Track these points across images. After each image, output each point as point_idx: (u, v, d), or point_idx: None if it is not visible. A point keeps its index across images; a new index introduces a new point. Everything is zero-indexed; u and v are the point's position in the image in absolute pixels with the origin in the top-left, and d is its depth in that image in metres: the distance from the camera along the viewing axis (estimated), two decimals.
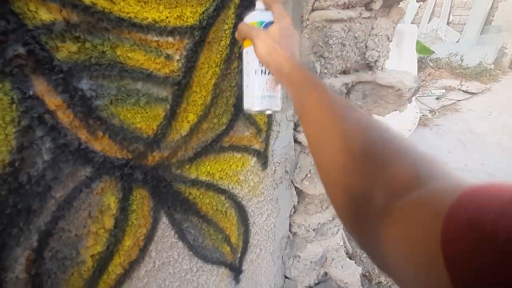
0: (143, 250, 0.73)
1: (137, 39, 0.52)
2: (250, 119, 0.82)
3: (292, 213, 1.24)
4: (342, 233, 2.02)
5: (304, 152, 1.07)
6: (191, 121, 0.67)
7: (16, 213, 0.49)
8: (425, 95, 5.16)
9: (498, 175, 3.18)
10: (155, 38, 0.54)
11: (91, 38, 0.47)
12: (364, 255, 2.20)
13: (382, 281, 1.96)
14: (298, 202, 1.20)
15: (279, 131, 0.93)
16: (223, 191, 0.86)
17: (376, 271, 2.04)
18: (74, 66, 0.47)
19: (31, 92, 0.44)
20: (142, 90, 0.56)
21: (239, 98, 0.76)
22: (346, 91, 1.00)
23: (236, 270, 1.09)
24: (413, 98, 2.68)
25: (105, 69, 0.50)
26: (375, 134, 0.36)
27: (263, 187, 1.00)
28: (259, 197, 1.01)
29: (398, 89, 0.92)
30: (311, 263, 1.43)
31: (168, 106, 0.61)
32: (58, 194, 0.53)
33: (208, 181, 0.80)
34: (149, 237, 0.73)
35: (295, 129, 1.01)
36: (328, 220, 1.31)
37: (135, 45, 0.52)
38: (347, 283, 1.51)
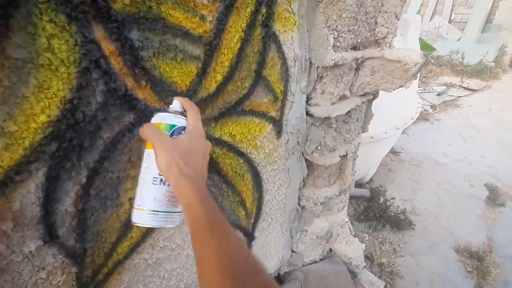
0: None
1: None
2: (268, 86, 0.88)
3: (301, 186, 1.30)
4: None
5: (315, 125, 1.13)
6: (218, 81, 0.73)
7: (71, 148, 0.56)
8: (427, 91, 5.23)
9: (497, 167, 3.26)
10: None
11: None
12: (366, 238, 2.27)
13: (384, 262, 2.03)
14: (307, 175, 1.27)
15: (293, 101, 1.00)
16: (242, 154, 0.93)
17: (378, 252, 2.11)
18: (127, 17, 0.54)
19: (91, 37, 0.51)
20: (179, 47, 0.63)
21: (260, 65, 0.82)
22: (356, 67, 1.07)
23: (249, 236, 1.16)
24: (414, 90, 2.71)
25: (151, 23, 0.56)
26: None
27: (276, 156, 1.07)
28: (273, 165, 1.08)
29: (405, 64, 0.98)
30: (318, 237, 1.50)
31: (200, 65, 0.68)
32: (106, 135, 0.59)
33: (230, 142, 0.87)
34: None
35: (307, 102, 1.08)
36: (335, 195, 1.37)
37: (176, 4, 0.58)
38: (351, 258, 1.58)
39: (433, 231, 2.40)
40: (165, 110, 0.53)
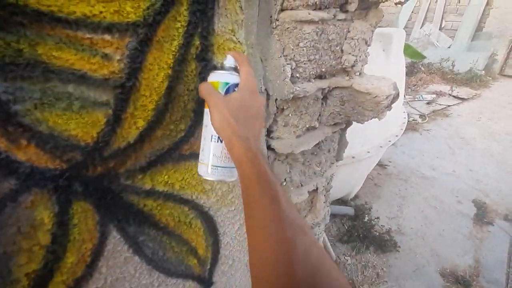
0: (91, 266, 0.67)
1: (63, 36, 0.45)
2: None
3: None
4: (325, 239, 1.98)
5: (278, 160, 1.01)
6: (140, 127, 0.61)
7: None
8: (416, 99, 5.17)
9: (485, 182, 3.18)
10: (88, 35, 0.47)
11: (2, 34, 0.41)
12: (348, 262, 2.16)
13: None
14: None
15: None
16: (185, 201, 0.80)
17: (359, 278, 2.00)
18: None
19: None
20: (74, 94, 0.50)
21: (199, 103, 0.70)
22: (322, 97, 0.95)
23: (205, 282, 1.03)
24: (399, 104, 2.62)
25: (24, 70, 0.43)
26: (324, 279, 0.35)
27: (233, 196, 0.95)
28: (229, 206, 0.95)
29: (376, 96, 0.87)
30: None
31: (110, 111, 0.55)
32: None
33: (167, 191, 0.74)
34: (96, 253, 0.66)
35: (268, 135, 0.96)
36: None
37: (62, 43, 0.46)
38: None
39: (418, 253, 2.30)
40: (220, 67, 0.54)
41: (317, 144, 1.05)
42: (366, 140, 1.99)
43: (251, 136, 0.47)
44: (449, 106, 5.06)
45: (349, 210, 2.56)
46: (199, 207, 0.85)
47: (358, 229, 2.39)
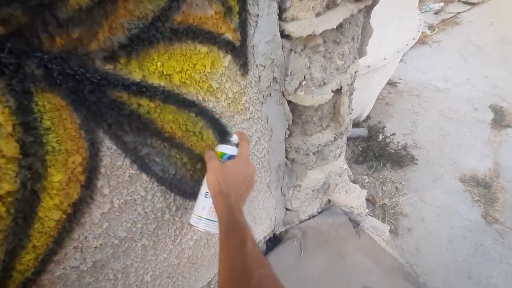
0: (88, 187, 0.54)
1: None
2: None
3: (287, 136, 1.04)
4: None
5: (295, 52, 0.82)
6: None
7: None
8: (423, 10, 4.69)
9: (501, 86, 3.01)
10: None
11: None
12: (366, 181, 2.12)
13: (386, 203, 1.90)
14: (293, 121, 1.00)
15: (258, 14, 0.67)
16: (191, 104, 0.64)
17: (379, 194, 1.97)
18: None
19: None
20: None
21: None
22: None
23: None
24: (414, 6, 2.27)
25: None
26: None
27: (246, 100, 0.78)
28: (243, 114, 0.80)
29: None
30: (313, 191, 1.30)
31: None
32: None
33: (165, 87, 0.57)
34: (90, 169, 0.52)
35: (280, 16, 0.75)
36: (330, 141, 1.12)
37: None
38: (352, 207, 1.40)
39: (436, 163, 2.25)
40: (225, 142, 0.69)
41: (340, 27, 0.85)
42: (382, 46, 1.76)
43: (233, 195, 0.59)
44: (458, 13, 4.61)
45: (363, 132, 2.44)
46: (209, 113, 0.70)
47: (373, 148, 2.30)
